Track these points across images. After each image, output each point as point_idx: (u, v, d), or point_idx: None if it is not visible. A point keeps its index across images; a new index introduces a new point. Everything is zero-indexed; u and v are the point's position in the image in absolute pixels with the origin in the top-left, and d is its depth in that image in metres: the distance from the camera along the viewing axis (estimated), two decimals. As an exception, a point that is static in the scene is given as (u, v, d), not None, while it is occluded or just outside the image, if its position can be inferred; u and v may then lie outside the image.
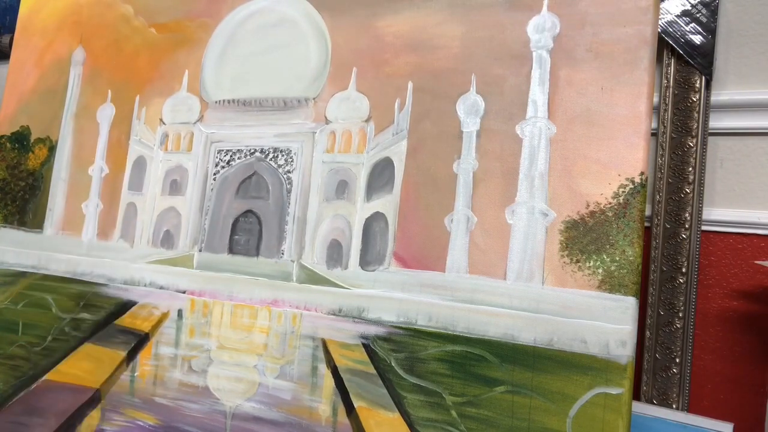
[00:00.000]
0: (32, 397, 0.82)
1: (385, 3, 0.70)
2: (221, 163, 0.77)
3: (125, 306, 0.79)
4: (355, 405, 0.64)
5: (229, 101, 0.78)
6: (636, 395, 0.71)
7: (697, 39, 0.70)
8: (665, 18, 0.70)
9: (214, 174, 0.77)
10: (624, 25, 0.58)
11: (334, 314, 0.67)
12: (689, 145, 0.70)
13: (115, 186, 0.83)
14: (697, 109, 0.70)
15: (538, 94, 0.61)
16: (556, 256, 0.58)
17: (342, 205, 0.69)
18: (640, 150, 0.56)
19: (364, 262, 0.66)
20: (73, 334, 0.82)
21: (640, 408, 0.68)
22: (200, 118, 0.79)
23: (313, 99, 0.73)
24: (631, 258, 0.55)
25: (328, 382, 0.66)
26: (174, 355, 0.74)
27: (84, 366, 0.80)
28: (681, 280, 0.70)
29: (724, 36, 0.72)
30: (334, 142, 0.71)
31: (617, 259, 0.56)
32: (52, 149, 0.89)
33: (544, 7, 0.62)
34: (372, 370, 0.64)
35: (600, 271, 0.56)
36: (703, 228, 0.71)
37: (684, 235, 0.70)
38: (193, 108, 0.80)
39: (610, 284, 0.56)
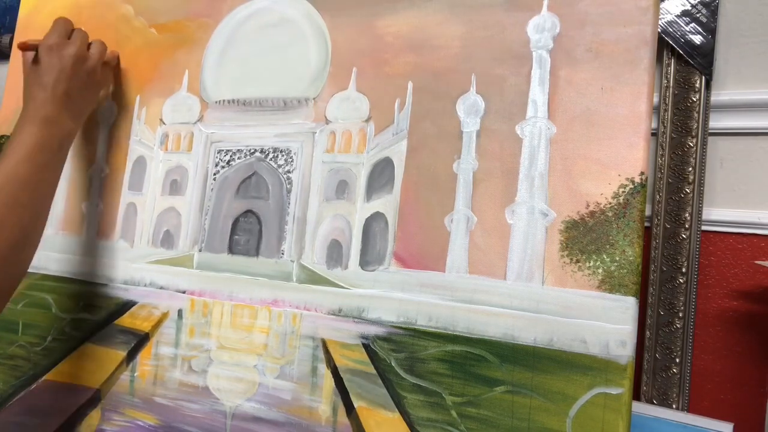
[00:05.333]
0: (32, 397, 0.82)
1: (385, 3, 0.70)
2: (221, 163, 0.77)
3: (125, 306, 0.79)
4: (355, 405, 0.64)
5: (229, 101, 0.78)
6: (636, 395, 0.71)
7: (697, 39, 0.70)
8: (665, 18, 0.70)
9: (214, 174, 0.77)
10: (624, 25, 0.58)
11: (334, 314, 0.67)
12: (689, 145, 0.71)
13: (115, 186, 0.83)
14: (697, 109, 0.70)
15: (538, 94, 0.61)
16: (556, 256, 0.58)
17: (342, 205, 0.69)
18: (640, 150, 0.56)
19: (364, 262, 0.66)
20: (73, 334, 0.82)
21: (640, 408, 0.68)
22: (200, 118, 0.79)
23: (313, 99, 0.73)
24: (631, 258, 0.55)
25: (328, 382, 0.66)
26: (174, 355, 0.75)
27: (84, 366, 0.80)
28: (681, 280, 0.70)
29: (724, 36, 0.72)
30: (334, 142, 0.71)
31: (617, 259, 0.56)
32: (52, 149, 0.88)
33: (544, 7, 0.62)
34: (372, 370, 0.64)
35: (600, 271, 0.56)
36: (703, 228, 0.71)
37: (684, 235, 0.70)
38: (193, 108, 0.80)
39: (610, 284, 0.56)
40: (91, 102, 0.79)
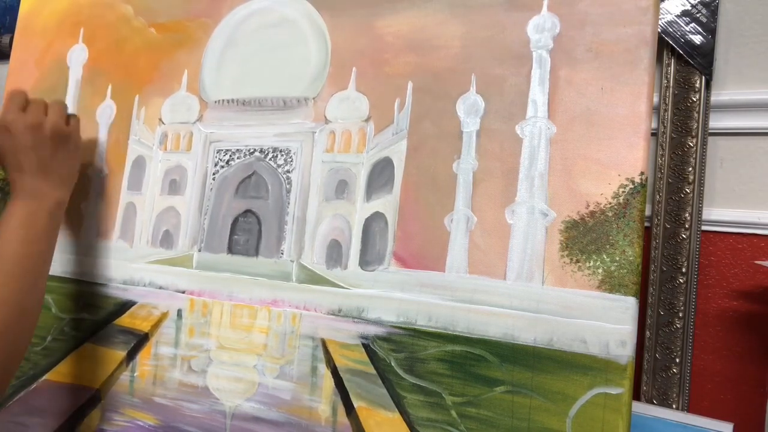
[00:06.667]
0: (32, 397, 0.82)
1: (385, 3, 0.70)
2: (220, 163, 0.77)
3: (125, 306, 0.79)
4: (355, 405, 0.64)
5: (228, 101, 0.78)
6: (636, 395, 0.71)
7: (697, 39, 0.70)
8: (665, 18, 0.70)
9: (214, 174, 0.77)
10: (624, 25, 0.58)
11: (333, 314, 0.67)
12: (689, 145, 0.70)
13: (114, 186, 0.83)
14: (697, 109, 0.70)
15: (538, 94, 0.61)
16: (556, 256, 0.58)
17: (342, 205, 0.69)
18: (640, 150, 0.56)
19: (364, 262, 0.66)
20: (72, 334, 0.82)
21: (640, 408, 0.68)
22: (199, 118, 0.79)
23: (313, 99, 0.73)
24: (631, 258, 0.55)
25: (327, 382, 0.66)
26: (173, 355, 0.74)
27: (84, 366, 0.80)
28: (681, 280, 0.70)
29: (724, 36, 0.72)
30: (333, 142, 0.71)
31: (617, 259, 0.56)
32: (51, 149, 0.88)
33: (544, 7, 0.62)
34: (372, 370, 0.64)
35: (600, 271, 0.56)
36: (703, 228, 0.71)
37: (684, 235, 0.70)
38: (192, 108, 0.80)
39: (610, 284, 0.56)
40: (71, 165, 0.76)
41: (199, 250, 0.76)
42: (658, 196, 0.72)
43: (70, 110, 0.87)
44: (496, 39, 0.64)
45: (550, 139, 0.60)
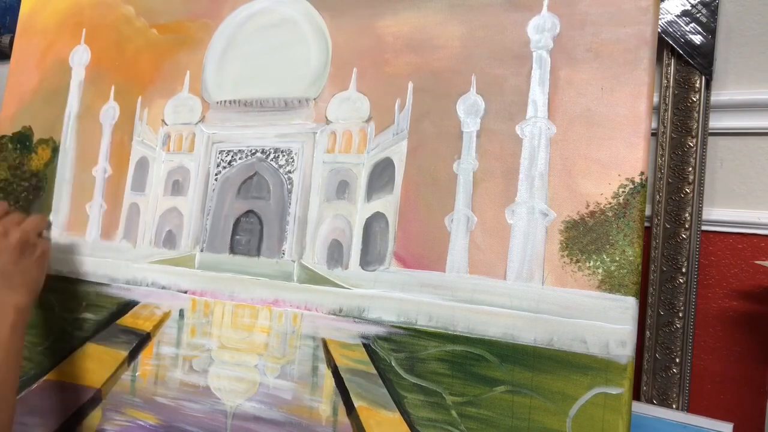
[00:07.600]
0: (33, 397, 0.83)
1: (385, 3, 0.70)
2: (223, 164, 0.77)
3: (127, 306, 0.79)
4: (356, 405, 0.64)
5: (230, 102, 0.78)
6: (636, 395, 0.71)
7: (697, 39, 0.70)
8: (665, 18, 0.70)
9: (216, 174, 0.77)
10: (624, 25, 0.58)
11: (334, 314, 0.67)
12: (689, 145, 0.71)
13: (118, 187, 0.83)
14: (697, 109, 0.70)
15: (538, 94, 0.61)
16: (556, 256, 0.58)
17: (342, 205, 0.69)
18: (640, 150, 0.56)
19: (365, 262, 0.67)
20: (75, 334, 0.82)
21: (640, 408, 0.68)
22: (202, 119, 0.79)
23: (314, 99, 0.73)
24: (631, 258, 0.55)
25: (328, 381, 0.66)
26: (175, 355, 0.75)
27: (85, 366, 0.80)
28: (681, 280, 0.70)
29: (724, 36, 0.72)
30: (334, 143, 0.71)
31: (617, 259, 0.56)
32: (55, 150, 0.89)
33: (544, 8, 0.62)
34: (372, 369, 0.64)
35: (600, 271, 0.56)
36: (703, 228, 0.71)
37: (684, 235, 0.70)
38: (194, 109, 0.80)
39: (610, 284, 0.56)
40: (34, 273, 0.75)
41: (202, 251, 0.76)
42: (658, 196, 0.72)
43: (74, 114, 0.88)
44: (496, 39, 0.64)
45: (550, 139, 0.60)
